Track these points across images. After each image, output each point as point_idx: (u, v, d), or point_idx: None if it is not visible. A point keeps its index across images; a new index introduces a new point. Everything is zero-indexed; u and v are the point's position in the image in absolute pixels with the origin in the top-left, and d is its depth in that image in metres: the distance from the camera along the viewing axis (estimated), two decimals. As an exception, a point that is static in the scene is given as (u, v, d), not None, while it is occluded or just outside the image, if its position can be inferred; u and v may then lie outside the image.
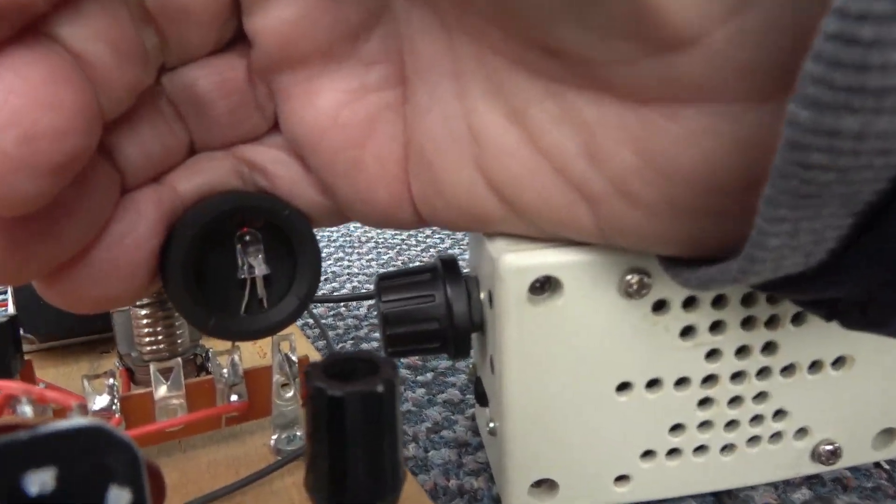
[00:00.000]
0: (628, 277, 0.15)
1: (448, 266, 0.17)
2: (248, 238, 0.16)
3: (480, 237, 0.16)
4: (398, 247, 0.50)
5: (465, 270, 0.19)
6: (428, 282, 0.16)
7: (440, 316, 0.16)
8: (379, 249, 0.49)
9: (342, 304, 0.35)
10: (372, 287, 0.39)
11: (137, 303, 0.19)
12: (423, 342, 0.16)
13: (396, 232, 0.53)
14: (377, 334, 0.32)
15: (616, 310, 0.15)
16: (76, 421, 0.08)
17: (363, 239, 0.51)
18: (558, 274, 0.15)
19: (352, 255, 0.46)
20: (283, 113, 0.15)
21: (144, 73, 0.14)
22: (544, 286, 0.15)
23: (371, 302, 0.36)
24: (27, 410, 0.13)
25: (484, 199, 0.14)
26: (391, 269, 0.45)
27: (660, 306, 0.15)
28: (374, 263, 0.45)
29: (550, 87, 0.13)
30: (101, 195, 0.13)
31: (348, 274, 0.42)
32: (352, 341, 0.32)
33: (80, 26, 0.12)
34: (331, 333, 0.31)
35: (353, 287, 0.40)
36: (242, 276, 0.16)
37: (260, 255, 0.16)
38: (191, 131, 0.15)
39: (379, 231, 0.53)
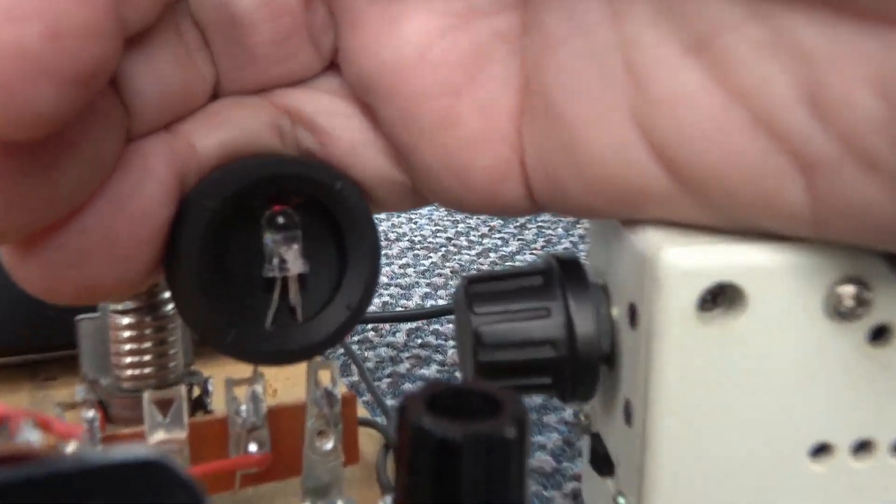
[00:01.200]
0: (840, 290, 0.15)
1: (568, 268, 0.17)
2: (281, 221, 0.17)
3: (616, 228, 0.16)
4: (443, 248, 0.50)
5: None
6: (540, 289, 0.17)
7: (557, 339, 0.16)
8: (416, 251, 0.50)
9: (370, 325, 0.36)
10: (405, 303, 0.40)
11: (118, 306, 0.20)
12: (530, 375, 0.16)
13: (440, 227, 0.54)
14: (425, 370, 0.33)
15: (819, 335, 0.15)
16: (134, 451, 0.08)
17: (392, 236, 0.52)
18: (741, 281, 0.15)
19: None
20: (350, 45, 0.16)
21: None
22: (716, 298, 0.15)
23: (413, 325, 0.37)
24: (32, 437, 0.14)
25: (642, 168, 0.14)
26: (436, 277, 0.46)
27: (881, 333, 0.15)
28: (410, 271, 0.45)
29: (754, 4, 0.13)
30: (105, 134, 0.14)
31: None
32: (388, 379, 0.32)
33: None
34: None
35: (384, 303, 0.40)
36: (270, 274, 0.17)
37: (296, 246, 0.17)
38: (218, 65, 0.16)
39: (414, 226, 0.54)
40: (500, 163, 0.16)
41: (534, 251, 0.50)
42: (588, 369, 0.16)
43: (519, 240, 0.52)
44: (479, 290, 0.17)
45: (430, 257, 0.48)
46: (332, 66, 0.17)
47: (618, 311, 0.16)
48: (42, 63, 0.11)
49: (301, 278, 0.17)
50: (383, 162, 0.17)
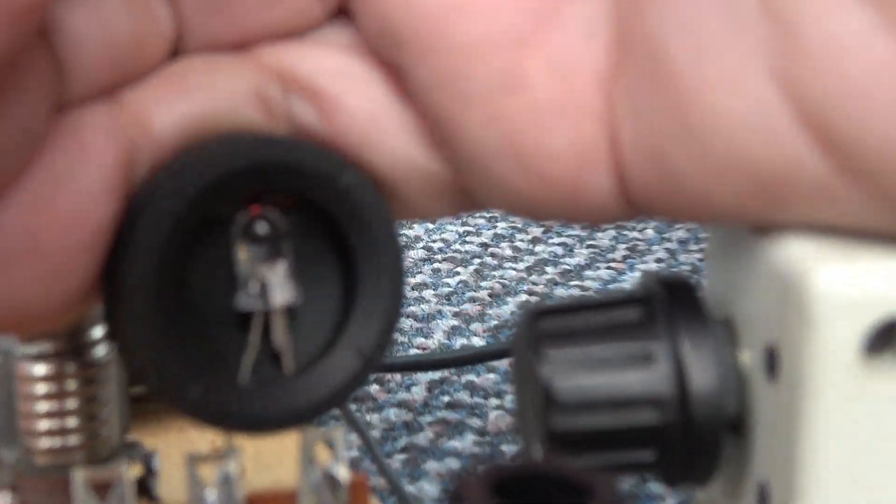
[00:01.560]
0: None
1: (678, 296, 0.18)
2: (261, 230, 0.18)
3: (745, 237, 0.18)
4: (476, 260, 0.51)
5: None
6: (639, 325, 0.18)
7: (663, 396, 0.17)
8: (436, 263, 0.51)
9: (373, 376, 0.36)
10: (423, 343, 0.40)
11: (29, 349, 0.21)
12: (625, 448, 0.18)
13: (470, 228, 0.55)
14: (457, 443, 0.33)
15: None
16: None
17: (408, 241, 0.52)
18: None
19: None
20: None
21: None
22: (888, 336, 0.16)
23: (436, 375, 0.38)
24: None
25: (788, 145, 0.16)
26: (466, 303, 0.46)
27: None
28: (428, 293, 0.46)
29: None
30: (28, 98, 0.15)
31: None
32: (402, 455, 0.33)
33: None
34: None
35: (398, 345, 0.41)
36: (247, 307, 0.18)
37: (283, 266, 0.18)
38: (181, 10, 0.17)
39: (432, 225, 0.55)
40: (583, 144, 0.17)
41: (612, 264, 0.51)
42: (707, 440, 0.17)
43: (589, 247, 0.53)
44: (551, 326, 0.18)
45: (458, 273, 0.49)
46: (341, 12, 0.18)
47: (750, 357, 0.17)
48: None
49: (290, 312, 0.18)
50: (413, 144, 0.18)
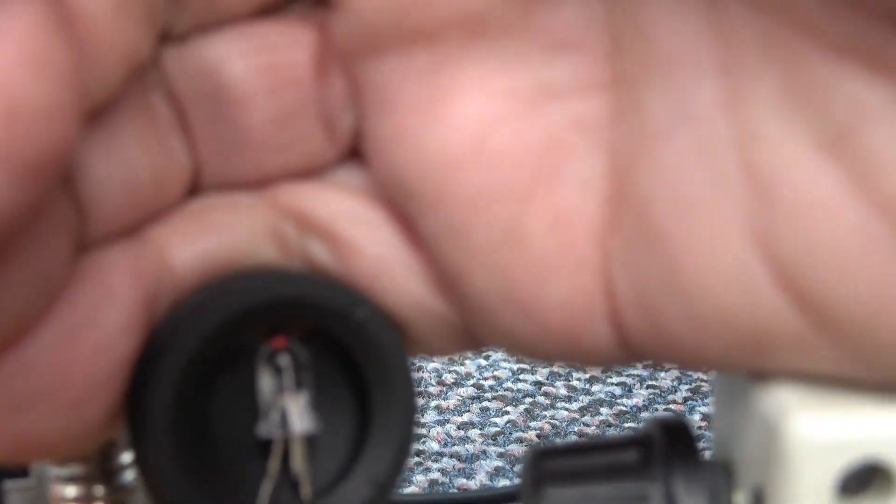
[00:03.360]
0: None
1: (674, 437, 0.19)
2: (282, 361, 0.20)
3: (741, 382, 0.19)
4: (528, 399, 0.52)
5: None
6: (635, 467, 0.19)
7: (657, 535, 0.18)
8: (486, 402, 0.52)
9: None
10: (464, 484, 0.41)
11: (61, 471, 0.23)
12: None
13: (524, 366, 0.56)
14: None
15: None
16: None
17: (449, 378, 0.53)
18: (891, 459, 0.17)
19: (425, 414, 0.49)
20: (379, 131, 0.19)
21: (144, 39, 0.17)
22: (865, 479, 0.17)
23: None
24: None
25: (765, 301, 0.17)
26: (513, 444, 0.46)
27: None
28: (474, 433, 0.47)
29: (893, 86, 0.15)
30: (52, 241, 0.16)
31: (420, 452, 0.44)
32: None
33: None
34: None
35: (433, 482, 0.42)
36: (267, 435, 0.19)
37: (304, 396, 0.20)
38: (199, 151, 0.19)
39: (485, 362, 0.56)
40: (580, 294, 0.18)
41: (672, 405, 0.51)
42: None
43: (650, 387, 0.53)
44: (553, 467, 0.19)
45: (507, 413, 0.50)
46: (353, 154, 0.20)
47: (743, 499, 0.19)
48: None
49: (308, 440, 0.20)
50: (422, 287, 0.19)
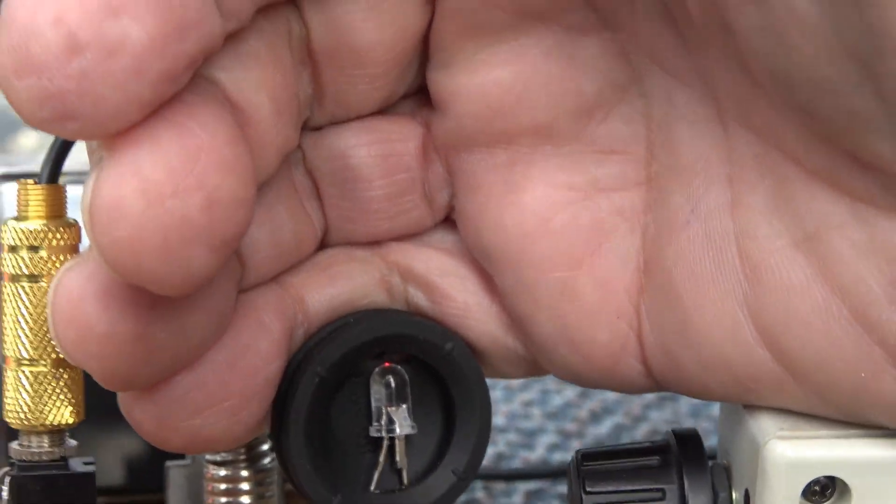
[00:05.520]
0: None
1: (686, 446, 0.24)
2: (390, 379, 0.24)
3: (738, 410, 0.23)
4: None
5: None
6: (657, 469, 0.23)
7: (672, 523, 0.23)
8: (545, 382, 0.51)
9: (481, 483, 0.40)
10: (525, 456, 0.44)
11: (215, 457, 0.27)
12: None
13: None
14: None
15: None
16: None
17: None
18: (845, 475, 0.21)
19: (495, 393, 0.49)
20: (468, 207, 0.23)
21: (293, 134, 0.21)
22: (825, 490, 0.22)
23: (533, 486, 0.41)
24: None
25: (752, 354, 0.21)
26: (569, 422, 0.48)
27: None
28: (535, 410, 0.49)
29: (857, 208, 0.19)
30: (223, 286, 0.20)
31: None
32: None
33: (243, 70, 0.19)
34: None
35: (499, 454, 0.44)
36: (377, 434, 0.24)
37: (405, 406, 0.24)
38: (328, 216, 0.23)
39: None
40: (618, 339, 0.23)
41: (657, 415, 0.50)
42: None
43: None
44: (593, 468, 0.24)
45: (565, 393, 0.51)
46: (446, 220, 0.24)
47: (737, 496, 0.23)
48: (199, 230, 0.17)
49: (408, 440, 0.24)
50: (497, 327, 0.24)
